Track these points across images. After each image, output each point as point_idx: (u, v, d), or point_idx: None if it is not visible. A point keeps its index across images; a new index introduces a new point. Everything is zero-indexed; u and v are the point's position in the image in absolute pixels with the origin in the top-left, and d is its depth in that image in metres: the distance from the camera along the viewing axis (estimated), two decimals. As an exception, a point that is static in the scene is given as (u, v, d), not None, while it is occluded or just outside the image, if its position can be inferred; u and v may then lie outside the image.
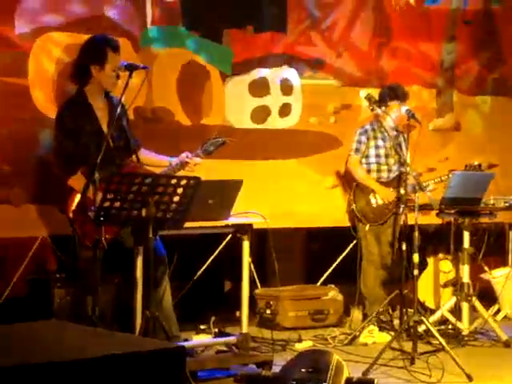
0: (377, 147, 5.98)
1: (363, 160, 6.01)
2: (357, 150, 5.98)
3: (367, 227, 5.91)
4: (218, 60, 6.00)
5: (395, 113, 5.78)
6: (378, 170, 6.00)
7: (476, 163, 5.79)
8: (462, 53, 7.02)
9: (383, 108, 5.56)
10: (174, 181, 4.09)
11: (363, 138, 5.98)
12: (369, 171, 6.01)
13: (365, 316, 5.90)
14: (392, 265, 5.93)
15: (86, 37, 4.79)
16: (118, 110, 4.32)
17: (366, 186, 5.96)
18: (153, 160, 4.83)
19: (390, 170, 5.99)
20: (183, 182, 4.06)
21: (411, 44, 6.79)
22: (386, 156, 6.01)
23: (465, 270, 5.69)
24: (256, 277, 6.18)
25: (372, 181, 5.95)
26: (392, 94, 5.88)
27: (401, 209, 5.50)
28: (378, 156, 5.99)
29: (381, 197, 5.90)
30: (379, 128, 5.92)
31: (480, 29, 7.09)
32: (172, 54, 5.83)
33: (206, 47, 5.94)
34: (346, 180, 6.25)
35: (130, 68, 4.37)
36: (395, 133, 5.93)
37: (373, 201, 5.92)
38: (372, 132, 5.98)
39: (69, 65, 4.94)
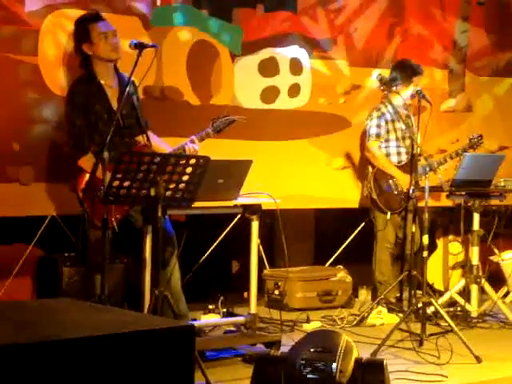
0: (395, 130, 5.90)
1: (383, 144, 5.92)
2: (377, 135, 5.86)
3: (388, 215, 5.82)
4: (228, 39, 5.96)
5: (408, 91, 5.72)
6: (398, 153, 5.91)
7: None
8: (475, 33, 6.96)
9: (394, 88, 5.47)
10: (183, 160, 4.07)
11: (382, 122, 5.89)
12: (388, 155, 5.91)
13: (374, 298, 5.89)
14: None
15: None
16: (128, 88, 4.29)
17: (386, 173, 5.88)
18: (155, 146, 4.79)
19: (408, 153, 5.83)
20: (192, 162, 4.04)
21: (424, 24, 6.73)
22: (403, 138, 5.93)
23: (474, 252, 5.67)
24: (264, 257, 6.18)
25: (394, 168, 5.84)
26: (407, 72, 5.82)
27: (411, 191, 5.37)
28: (397, 139, 5.90)
29: (401, 184, 5.79)
30: (394, 110, 5.82)
31: (494, 9, 7.02)
32: (182, 32, 5.79)
33: (216, 26, 5.90)
34: (365, 165, 6.09)
35: (140, 46, 4.34)
36: (405, 112, 5.84)
37: (393, 187, 5.82)
38: (389, 114, 5.89)
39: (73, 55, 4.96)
